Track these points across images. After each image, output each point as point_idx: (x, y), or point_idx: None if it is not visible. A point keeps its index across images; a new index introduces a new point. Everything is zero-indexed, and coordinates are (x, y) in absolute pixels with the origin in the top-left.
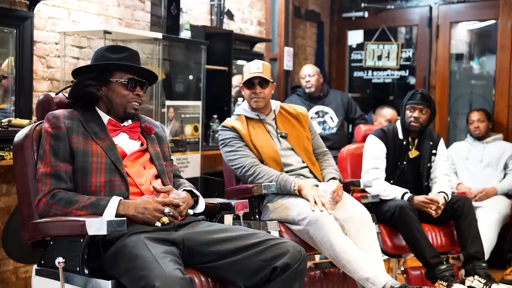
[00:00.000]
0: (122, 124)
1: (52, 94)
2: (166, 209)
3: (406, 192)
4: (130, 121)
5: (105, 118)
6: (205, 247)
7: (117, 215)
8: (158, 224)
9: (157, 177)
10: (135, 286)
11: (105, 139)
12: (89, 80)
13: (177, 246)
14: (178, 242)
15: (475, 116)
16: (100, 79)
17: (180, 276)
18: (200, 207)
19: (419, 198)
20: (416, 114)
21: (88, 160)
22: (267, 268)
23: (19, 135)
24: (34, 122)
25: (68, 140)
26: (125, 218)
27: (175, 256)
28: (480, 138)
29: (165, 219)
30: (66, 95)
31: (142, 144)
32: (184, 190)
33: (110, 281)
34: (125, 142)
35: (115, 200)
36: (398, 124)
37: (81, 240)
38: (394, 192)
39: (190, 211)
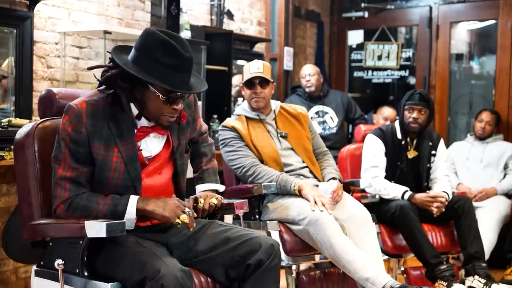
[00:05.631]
0: (151, 126)
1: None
2: (187, 209)
3: (407, 191)
4: None
5: (138, 120)
6: (185, 247)
7: (136, 211)
8: (178, 221)
9: (174, 176)
10: (138, 276)
11: (129, 145)
12: (122, 79)
13: (163, 245)
14: (163, 243)
15: (486, 117)
16: (137, 78)
17: (181, 267)
18: None
19: (421, 196)
20: (415, 115)
21: (105, 174)
22: (240, 265)
23: (21, 133)
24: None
25: (88, 148)
26: (124, 221)
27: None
28: (480, 138)
29: (185, 218)
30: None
31: (168, 142)
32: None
33: (109, 284)
34: (149, 143)
35: (133, 200)
36: (397, 124)
37: (81, 242)
38: (394, 191)
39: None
